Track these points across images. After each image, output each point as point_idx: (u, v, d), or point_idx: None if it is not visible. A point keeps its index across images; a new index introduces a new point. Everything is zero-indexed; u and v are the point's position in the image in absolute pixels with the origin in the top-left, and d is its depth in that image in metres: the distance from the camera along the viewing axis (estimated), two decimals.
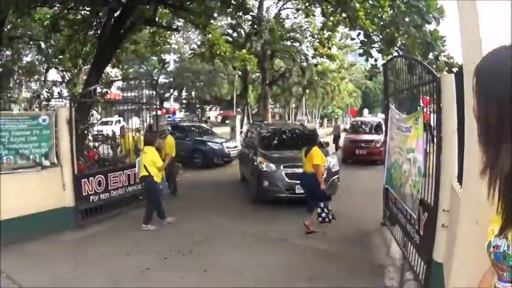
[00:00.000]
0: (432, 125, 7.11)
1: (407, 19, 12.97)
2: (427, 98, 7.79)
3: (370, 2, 14.21)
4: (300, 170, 12.72)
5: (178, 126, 27.77)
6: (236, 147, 25.66)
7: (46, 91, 29.29)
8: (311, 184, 11.35)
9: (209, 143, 24.85)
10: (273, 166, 14.27)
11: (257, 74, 47.96)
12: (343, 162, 24.64)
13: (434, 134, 6.90)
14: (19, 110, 25.99)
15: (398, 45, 13.98)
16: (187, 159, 23.18)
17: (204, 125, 36.03)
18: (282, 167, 14.11)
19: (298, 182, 13.04)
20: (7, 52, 28.73)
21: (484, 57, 1.85)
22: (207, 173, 21.97)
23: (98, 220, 12.05)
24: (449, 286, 4.81)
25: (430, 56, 12.51)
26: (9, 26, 22.30)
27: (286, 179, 13.90)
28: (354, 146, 25.58)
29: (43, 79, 35.80)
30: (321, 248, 9.97)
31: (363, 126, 29.28)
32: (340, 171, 14.82)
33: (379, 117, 37.94)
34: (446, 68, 11.57)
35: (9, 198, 9.82)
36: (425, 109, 7.56)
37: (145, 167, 11.47)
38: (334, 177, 14.43)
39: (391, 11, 13.69)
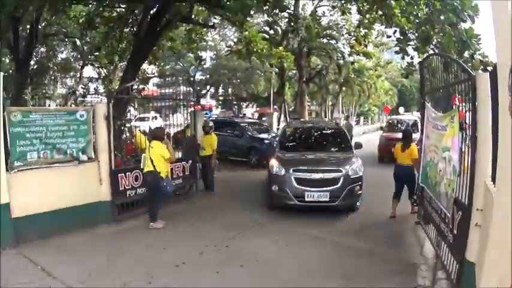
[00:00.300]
0: (467, 124, 7.08)
1: (442, 17, 12.88)
2: (458, 97, 7.79)
3: (406, 0, 14.13)
4: (315, 175, 12.53)
5: (232, 122, 26.74)
6: None
7: (82, 87, 29.69)
8: (408, 176, 12.18)
9: (266, 141, 23.09)
10: (282, 169, 12.91)
11: (294, 72, 47.79)
12: (379, 160, 25.15)
13: (469, 133, 6.87)
14: (56, 106, 26.28)
15: (434, 43, 13.87)
16: (243, 158, 23.07)
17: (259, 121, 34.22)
18: (291, 171, 12.73)
19: (309, 188, 12.49)
20: (42, 49, 29.08)
21: None
22: (256, 173, 20.65)
23: (134, 215, 12.16)
24: (480, 284, 4.81)
25: (466, 54, 12.40)
26: (43, 24, 22.61)
27: (295, 185, 12.56)
28: (390, 144, 23.85)
29: (78, 75, 36.19)
30: (356, 246, 9.99)
31: (399, 125, 28.76)
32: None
33: (415, 115, 37.56)
34: (482, 67, 11.47)
35: (46, 191, 10.10)
36: (460, 107, 7.52)
37: (152, 162, 11.30)
38: (353, 186, 12.73)
39: (427, 9, 13.57)
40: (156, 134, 12.00)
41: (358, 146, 15.66)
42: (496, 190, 4.67)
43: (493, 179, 5.67)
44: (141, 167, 11.90)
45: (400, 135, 25.24)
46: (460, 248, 6.61)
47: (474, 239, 6.19)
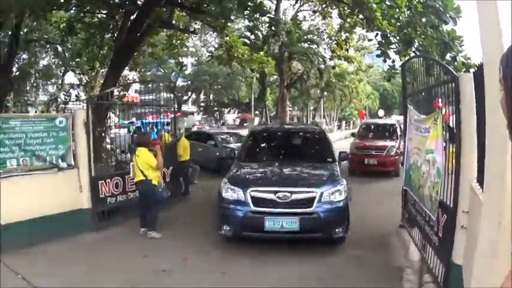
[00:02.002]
0: (451, 126, 7.02)
1: (424, 19, 12.85)
2: (439, 100, 7.76)
3: (387, 3, 14.08)
4: None
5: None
6: None
7: (63, 94, 29.53)
8: None
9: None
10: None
11: (275, 77, 47.92)
12: (350, 173, 19.89)
13: (454, 135, 6.82)
14: (35, 112, 26.13)
15: (415, 46, 13.81)
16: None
17: None
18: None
19: None
20: (23, 55, 28.92)
21: (510, 47, 1.76)
22: None
23: (115, 222, 12.01)
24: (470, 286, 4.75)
25: (448, 56, 12.36)
26: (25, 30, 22.42)
27: None
28: (363, 154, 21.06)
29: (60, 82, 36.06)
30: (340, 251, 9.87)
31: (375, 130, 24.61)
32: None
33: (394, 119, 36.68)
34: (464, 69, 11.42)
35: (26, 199, 9.87)
36: (443, 109, 7.46)
37: (141, 171, 10.90)
38: None
39: (408, 12, 13.53)
40: (140, 141, 11.77)
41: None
42: (485, 193, 4.60)
43: (479, 181, 5.62)
44: (131, 176, 11.62)
45: (376, 143, 21.66)
46: (446, 251, 6.54)
47: (460, 241, 6.13)
